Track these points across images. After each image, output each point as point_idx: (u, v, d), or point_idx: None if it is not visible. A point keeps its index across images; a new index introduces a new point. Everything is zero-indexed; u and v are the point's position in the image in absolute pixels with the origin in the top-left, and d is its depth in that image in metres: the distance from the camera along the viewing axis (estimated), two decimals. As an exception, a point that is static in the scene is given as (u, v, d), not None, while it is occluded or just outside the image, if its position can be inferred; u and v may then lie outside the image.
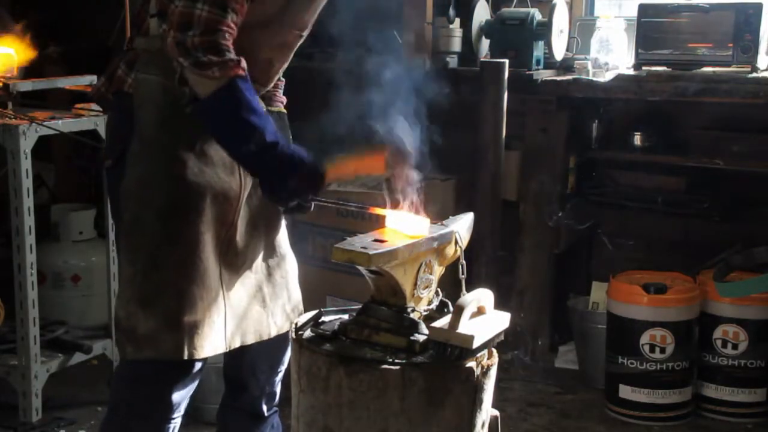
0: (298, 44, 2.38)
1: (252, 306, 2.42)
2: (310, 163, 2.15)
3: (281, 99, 2.56)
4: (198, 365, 2.30)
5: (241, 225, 2.35)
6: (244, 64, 2.09)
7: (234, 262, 2.35)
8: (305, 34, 2.37)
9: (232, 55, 2.07)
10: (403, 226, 2.17)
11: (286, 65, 2.42)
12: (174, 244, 2.23)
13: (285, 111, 2.57)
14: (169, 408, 2.30)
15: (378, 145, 2.17)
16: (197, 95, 2.09)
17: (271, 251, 2.48)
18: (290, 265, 2.56)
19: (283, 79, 2.54)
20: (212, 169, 2.26)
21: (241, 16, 2.12)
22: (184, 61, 2.05)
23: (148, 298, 2.22)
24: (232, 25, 2.09)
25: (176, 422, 2.35)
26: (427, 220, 2.18)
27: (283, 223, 2.57)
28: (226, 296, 2.32)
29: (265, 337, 2.46)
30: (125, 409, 2.32)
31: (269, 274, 2.48)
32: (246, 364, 2.56)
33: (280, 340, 2.50)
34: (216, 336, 2.30)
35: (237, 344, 2.38)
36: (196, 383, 2.36)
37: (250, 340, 2.42)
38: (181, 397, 2.32)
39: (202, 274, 2.25)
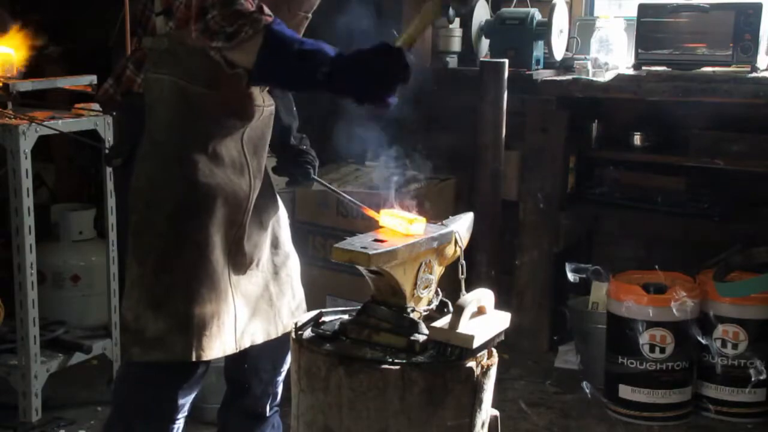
0: (305, 26, 2.37)
1: (260, 305, 2.42)
2: (378, 46, 2.03)
3: None
4: (204, 367, 2.30)
5: (249, 225, 2.35)
6: (266, 9, 2.02)
7: (242, 262, 2.35)
8: (311, 15, 2.35)
9: (252, 8, 2.01)
10: (399, 227, 2.16)
11: None
12: (184, 246, 2.21)
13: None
14: (175, 409, 2.30)
15: None
16: (248, 67, 2.05)
17: (276, 250, 2.49)
18: (294, 264, 2.57)
19: None
20: (223, 171, 2.24)
21: None
22: (217, 44, 2.01)
23: (157, 300, 2.21)
24: None
25: (180, 423, 2.35)
26: (423, 221, 2.18)
27: (287, 221, 2.57)
28: (236, 297, 2.32)
29: (273, 336, 2.46)
30: (129, 411, 2.31)
31: (275, 272, 2.48)
32: (249, 364, 2.55)
33: (283, 340, 2.49)
34: (226, 337, 2.30)
35: (247, 344, 2.38)
36: (200, 384, 2.35)
37: (260, 339, 2.41)
38: (186, 398, 2.32)
39: (211, 276, 2.24)
